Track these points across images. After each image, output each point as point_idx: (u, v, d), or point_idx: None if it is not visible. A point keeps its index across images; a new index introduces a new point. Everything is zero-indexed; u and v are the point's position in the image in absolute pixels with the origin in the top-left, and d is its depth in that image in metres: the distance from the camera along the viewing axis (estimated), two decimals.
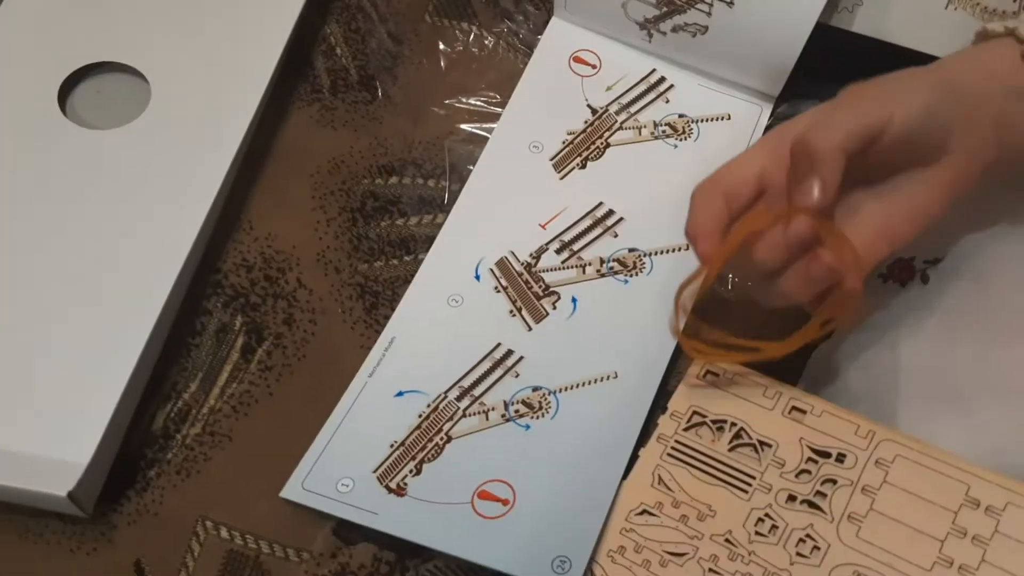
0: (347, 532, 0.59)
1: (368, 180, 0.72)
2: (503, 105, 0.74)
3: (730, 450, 0.55)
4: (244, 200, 0.70)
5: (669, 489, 0.55)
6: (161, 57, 0.71)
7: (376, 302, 0.67)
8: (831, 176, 0.51)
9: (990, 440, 0.56)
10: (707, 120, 0.73)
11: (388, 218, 0.70)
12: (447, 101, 0.75)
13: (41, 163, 0.67)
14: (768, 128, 0.73)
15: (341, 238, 0.69)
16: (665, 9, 0.71)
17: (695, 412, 0.56)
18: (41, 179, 0.66)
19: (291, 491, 0.59)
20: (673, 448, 0.56)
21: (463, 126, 0.74)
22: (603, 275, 0.67)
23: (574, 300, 0.66)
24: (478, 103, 0.75)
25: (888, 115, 0.51)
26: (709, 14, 0.70)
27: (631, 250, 0.67)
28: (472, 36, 0.78)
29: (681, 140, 0.72)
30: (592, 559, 0.55)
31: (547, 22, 0.77)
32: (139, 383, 0.61)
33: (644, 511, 0.55)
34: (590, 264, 0.67)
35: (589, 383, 0.62)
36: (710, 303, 0.67)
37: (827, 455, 0.54)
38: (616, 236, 0.68)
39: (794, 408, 0.55)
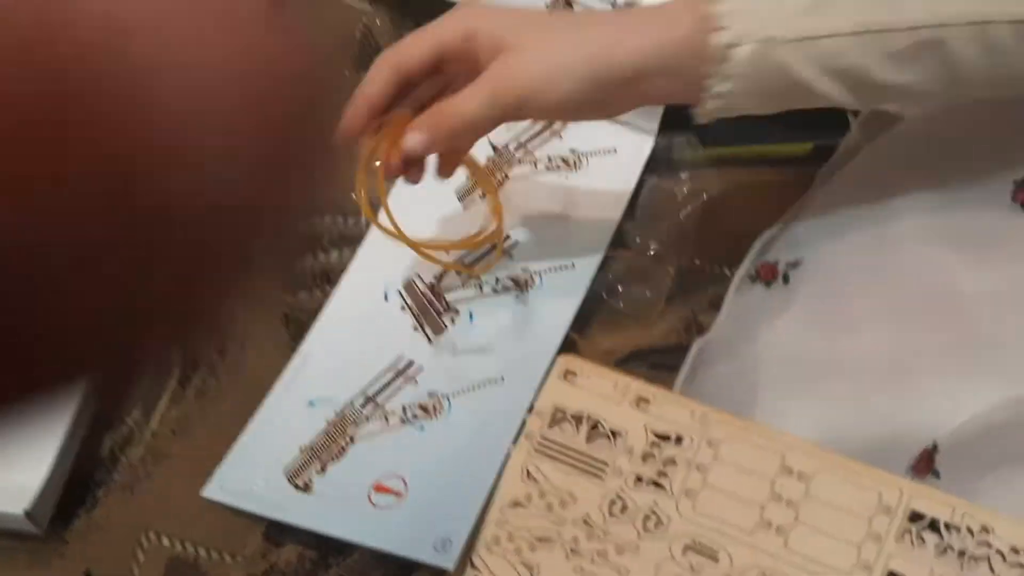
0: (276, 534, 0.66)
1: None
2: None
3: (587, 441, 0.61)
4: None
5: (536, 481, 0.61)
6: None
7: (300, 331, 0.74)
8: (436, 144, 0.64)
9: (839, 419, 0.63)
10: (596, 153, 0.80)
11: (311, 255, 0.78)
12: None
13: None
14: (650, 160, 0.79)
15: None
16: None
17: (557, 409, 0.63)
18: None
19: (211, 491, 0.67)
20: (539, 444, 0.62)
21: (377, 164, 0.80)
22: (498, 292, 0.74)
23: (471, 315, 0.73)
24: None
25: (522, 104, 0.61)
26: None
27: (524, 269, 0.74)
28: None
29: (572, 172, 0.79)
30: (473, 551, 0.61)
31: None
32: (87, 411, 0.68)
33: (515, 503, 0.61)
34: (487, 283, 0.74)
35: (478, 387, 0.69)
36: (600, 314, 0.74)
37: (667, 438, 0.60)
38: (512, 258, 0.75)
39: (639, 398, 0.61)
